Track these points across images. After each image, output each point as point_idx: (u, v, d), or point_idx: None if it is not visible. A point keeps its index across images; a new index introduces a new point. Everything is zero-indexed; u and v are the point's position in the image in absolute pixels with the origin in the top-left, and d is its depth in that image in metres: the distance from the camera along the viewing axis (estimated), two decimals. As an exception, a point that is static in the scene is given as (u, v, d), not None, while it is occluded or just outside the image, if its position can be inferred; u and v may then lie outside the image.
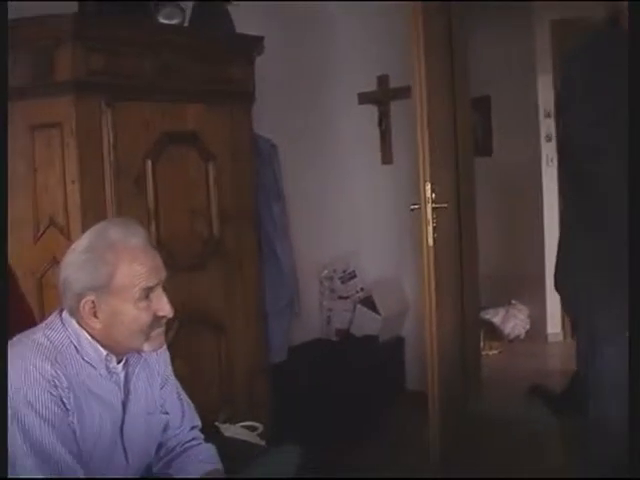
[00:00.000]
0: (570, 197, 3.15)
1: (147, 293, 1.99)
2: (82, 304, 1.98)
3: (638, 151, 2.07)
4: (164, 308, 2.02)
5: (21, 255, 3.40)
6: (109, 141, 3.40)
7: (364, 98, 5.22)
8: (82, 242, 2.02)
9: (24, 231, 3.42)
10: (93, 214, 3.29)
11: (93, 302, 1.98)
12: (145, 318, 2.00)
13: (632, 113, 2.11)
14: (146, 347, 2.05)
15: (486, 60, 6.11)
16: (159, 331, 2.06)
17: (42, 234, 3.41)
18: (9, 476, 1.92)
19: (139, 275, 1.98)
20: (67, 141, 3.32)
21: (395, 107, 5.13)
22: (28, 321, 2.54)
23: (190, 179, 3.70)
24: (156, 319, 2.03)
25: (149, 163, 3.53)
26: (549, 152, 6.39)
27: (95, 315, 1.99)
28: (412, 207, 3.87)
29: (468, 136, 5.14)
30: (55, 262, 3.33)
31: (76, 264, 1.98)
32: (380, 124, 5.19)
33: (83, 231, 3.06)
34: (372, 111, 5.22)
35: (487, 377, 5.42)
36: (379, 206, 5.27)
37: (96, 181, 3.37)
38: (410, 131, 4.15)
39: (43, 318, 2.15)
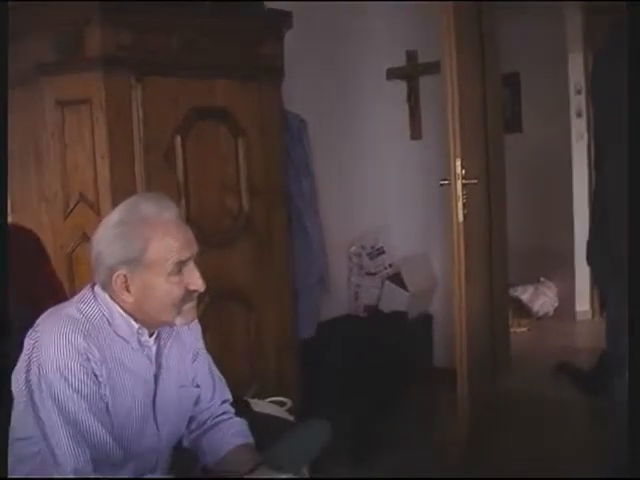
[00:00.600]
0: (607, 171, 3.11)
1: (179, 267, 1.99)
2: (114, 278, 1.99)
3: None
4: (196, 282, 2.02)
5: (51, 231, 3.42)
6: (138, 116, 3.39)
7: (393, 73, 5.19)
8: (114, 216, 2.01)
9: (54, 207, 3.43)
10: (123, 189, 3.29)
11: (125, 276, 1.98)
12: (177, 292, 2.00)
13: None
14: (178, 321, 2.05)
15: (516, 36, 6.04)
16: (191, 305, 2.05)
17: (72, 210, 3.41)
18: (44, 449, 1.95)
19: (172, 249, 1.97)
20: (96, 116, 3.32)
21: (424, 82, 5.09)
22: (59, 296, 2.55)
23: (220, 154, 3.69)
24: (188, 293, 2.02)
25: (178, 138, 3.52)
26: (579, 128, 6.33)
27: (127, 289, 1.99)
28: (442, 183, 3.85)
29: (498, 112, 5.10)
30: (85, 238, 3.34)
31: (108, 238, 1.98)
32: (409, 99, 5.15)
33: (113, 207, 3.08)
34: (401, 86, 5.18)
35: (515, 355, 5.40)
36: (408, 182, 5.24)
37: (126, 157, 3.37)
38: (439, 107, 4.13)
39: (73, 293, 2.15)
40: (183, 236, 2.00)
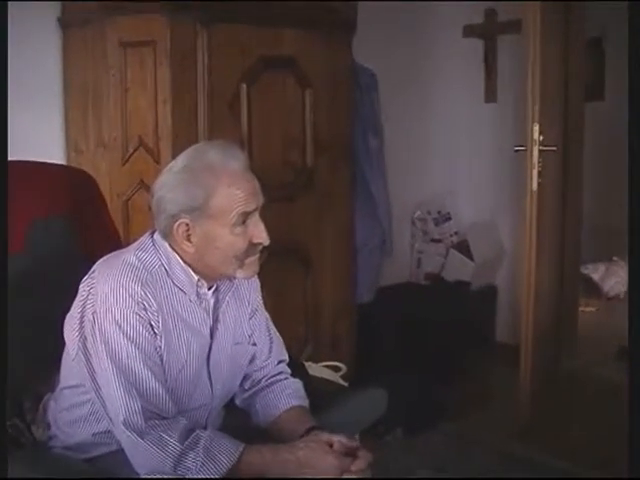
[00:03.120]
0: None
1: (244, 219, 1.97)
2: (176, 226, 1.98)
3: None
4: (261, 235, 2.01)
5: (108, 177, 3.45)
6: (203, 63, 3.40)
7: (470, 31, 5.10)
8: (179, 162, 2.00)
9: (112, 152, 3.46)
10: (184, 137, 3.31)
11: (187, 225, 1.97)
12: (241, 244, 1.99)
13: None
14: (239, 274, 2.04)
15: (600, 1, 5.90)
16: (253, 259, 2.04)
17: (131, 155, 3.44)
18: (95, 398, 1.97)
19: (237, 199, 1.96)
20: (160, 60, 3.33)
21: (502, 42, 5.00)
22: (115, 244, 2.57)
23: (286, 106, 3.69)
24: (251, 246, 2.01)
25: (244, 87, 3.52)
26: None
27: (189, 239, 1.99)
28: (516, 148, 3.79)
29: (580, 78, 5.00)
30: (143, 185, 3.37)
31: (171, 184, 1.97)
32: (486, 59, 5.07)
33: (173, 154, 3.11)
34: (477, 45, 5.10)
35: (581, 335, 5.33)
36: (479, 145, 5.18)
37: (189, 103, 3.38)
38: (517, 68, 4.06)
39: (128, 244, 2.16)
40: (249, 187, 1.99)
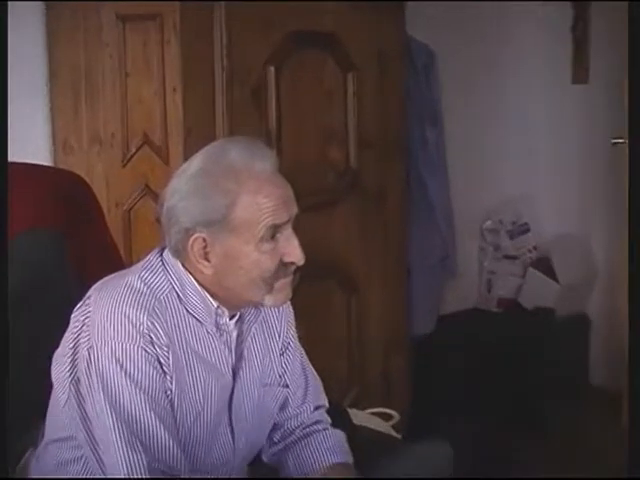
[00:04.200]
0: None
1: (273, 232, 1.98)
2: (190, 242, 1.99)
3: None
4: (293, 253, 2.01)
5: (105, 181, 3.49)
6: (221, 41, 3.41)
7: (555, -6, 5.10)
8: (194, 164, 2.02)
9: (110, 151, 3.50)
10: (198, 132, 3.33)
11: (205, 240, 1.98)
12: (269, 264, 1.99)
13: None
14: (267, 300, 2.04)
15: None
16: (285, 282, 2.05)
17: (133, 155, 3.47)
18: (90, 454, 1.98)
19: (265, 209, 1.97)
20: (168, 38, 3.36)
21: (597, 7, 4.97)
22: (114, 263, 2.60)
23: (323, 93, 3.70)
24: (282, 266, 2.01)
25: (272, 70, 3.54)
26: None
27: (206, 257, 2.00)
28: (614, 141, 3.79)
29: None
30: (148, 191, 3.40)
31: (185, 191, 1.98)
32: (574, 29, 5.06)
33: (185, 154, 3.14)
34: (564, 12, 5.10)
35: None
36: (565, 137, 5.17)
37: (204, 91, 3.40)
38: (616, 41, 4.04)
39: (131, 262, 2.18)
40: (280, 194, 2.00)
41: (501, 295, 5.10)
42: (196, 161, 2.02)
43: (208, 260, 2.00)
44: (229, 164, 1.98)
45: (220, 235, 1.98)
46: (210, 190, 1.96)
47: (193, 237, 1.99)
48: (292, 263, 2.04)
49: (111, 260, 2.66)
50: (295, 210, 2.03)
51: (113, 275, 2.09)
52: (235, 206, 1.96)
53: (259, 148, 2.03)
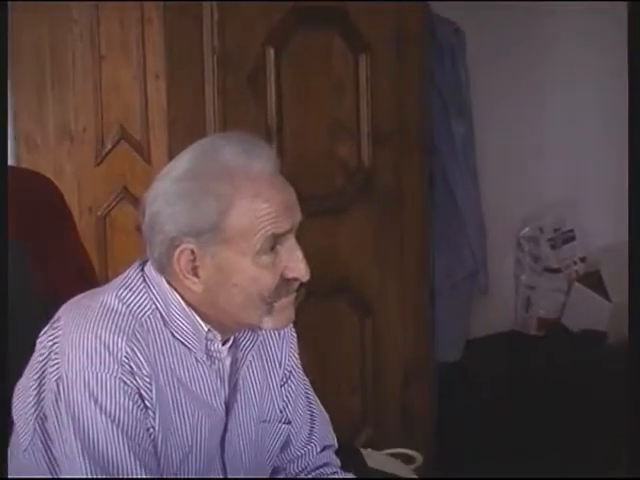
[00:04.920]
0: None
1: (273, 243, 1.97)
2: (177, 254, 1.98)
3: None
4: (296, 267, 2.01)
5: (76, 182, 3.50)
6: (212, 18, 3.42)
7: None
8: (181, 163, 2.01)
9: (81, 148, 3.52)
10: (185, 125, 3.34)
11: (193, 252, 1.98)
12: (268, 280, 1.99)
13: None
14: (267, 323, 2.04)
15: None
16: (287, 301, 2.04)
17: (108, 153, 3.48)
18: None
19: (264, 216, 1.96)
20: (149, 15, 3.37)
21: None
22: (86, 280, 2.61)
23: (332, 79, 3.70)
24: (284, 282, 2.01)
25: (271, 52, 3.54)
26: None
27: (195, 272, 1.99)
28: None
29: None
30: (127, 194, 3.40)
31: (171, 195, 1.98)
32: (632, 16, 5.06)
33: (170, 151, 3.16)
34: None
35: None
36: (617, 134, 5.18)
37: (191, 77, 3.40)
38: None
39: (107, 277, 2.19)
40: (281, 198, 1.99)
41: (541, 315, 5.11)
42: (183, 160, 2.02)
43: (197, 275, 2.00)
44: (222, 164, 1.98)
45: (211, 246, 1.98)
46: (200, 194, 1.96)
47: (180, 249, 1.99)
48: (295, 279, 2.03)
49: (83, 276, 2.66)
50: (299, 217, 2.04)
51: (86, 293, 2.09)
52: (229, 213, 1.96)
53: (257, 145, 2.03)
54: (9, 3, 3.61)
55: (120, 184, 3.44)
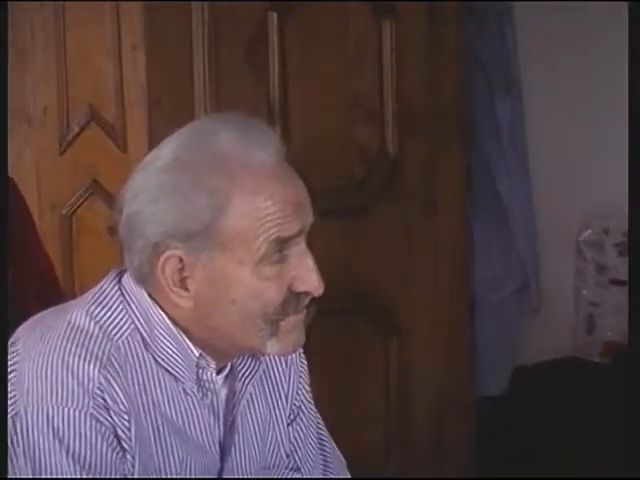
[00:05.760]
0: None
1: (279, 249, 1.95)
2: (161, 263, 1.95)
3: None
4: (307, 278, 1.97)
5: (37, 174, 3.51)
6: (201, -22, 3.45)
7: None
8: (166, 152, 1.98)
9: (42, 132, 3.55)
10: (170, 106, 3.33)
11: (181, 260, 1.94)
12: (273, 294, 1.96)
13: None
14: (271, 347, 2.00)
15: None
16: (296, 320, 2.01)
17: (75, 138, 3.49)
18: None
19: (267, 216, 1.92)
20: (124, -28, 3.40)
21: None
22: (49, 294, 2.62)
23: (346, 51, 3.71)
24: (292, 297, 1.98)
25: (273, 18, 3.55)
26: None
27: (184, 284, 1.96)
28: None
29: None
30: (97, 188, 3.40)
31: (154, 191, 1.94)
32: None
33: (151, 135, 3.17)
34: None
35: None
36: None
37: (177, 48, 3.41)
38: None
39: (74, 290, 2.19)
40: (289, 194, 1.95)
41: (608, 338, 5.10)
42: (169, 148, 1.99)
43: (186, 288, 1.97)
44: (216, 152, 1.95)
45: (203, 253, 1.95)
46: (189, 189, 1.94)
47: (165, 256, 1.96)
48: (306, 293, 2.00)
49: (46, 288, 2.68)
50: (310, 218, 2.01)
51: (49, 310, 2.07)
52: (225, 211, 1.93)
53: (257, 129, 2.01)
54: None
55: (89, 176, 3.44)
